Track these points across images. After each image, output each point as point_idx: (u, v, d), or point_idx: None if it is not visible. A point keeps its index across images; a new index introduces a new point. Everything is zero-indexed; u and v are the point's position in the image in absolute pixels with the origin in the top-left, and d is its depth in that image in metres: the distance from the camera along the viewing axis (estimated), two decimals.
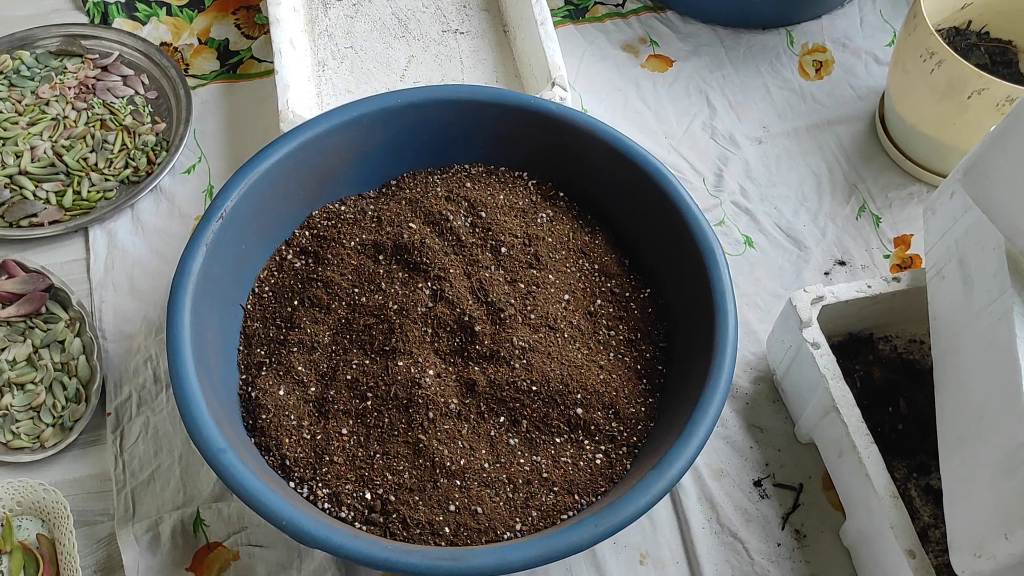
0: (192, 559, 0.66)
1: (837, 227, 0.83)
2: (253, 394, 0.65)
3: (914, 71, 0.77)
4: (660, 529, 0.68)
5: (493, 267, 0.70)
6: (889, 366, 0.71)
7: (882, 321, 0.72)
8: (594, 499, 0.62)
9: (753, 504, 0.69)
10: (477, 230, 0.71)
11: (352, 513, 0.60)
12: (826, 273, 0.80)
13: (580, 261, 0.72)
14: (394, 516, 0.60)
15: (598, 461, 0.64)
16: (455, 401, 0.64)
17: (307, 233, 0.73)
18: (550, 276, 0.70)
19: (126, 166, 0.83)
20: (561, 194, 0.76)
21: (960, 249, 0.63)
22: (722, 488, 0.70)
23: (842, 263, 0.81)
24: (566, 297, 0.69)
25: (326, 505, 0.61)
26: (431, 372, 0.65)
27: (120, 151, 0.83)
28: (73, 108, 0.85)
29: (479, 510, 0.60)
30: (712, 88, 0.91)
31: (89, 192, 0.81)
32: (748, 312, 0.78)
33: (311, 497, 0.61)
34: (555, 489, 0.62)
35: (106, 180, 0.82)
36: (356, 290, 0.69)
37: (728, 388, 0.61)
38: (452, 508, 0.60)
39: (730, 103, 0.90)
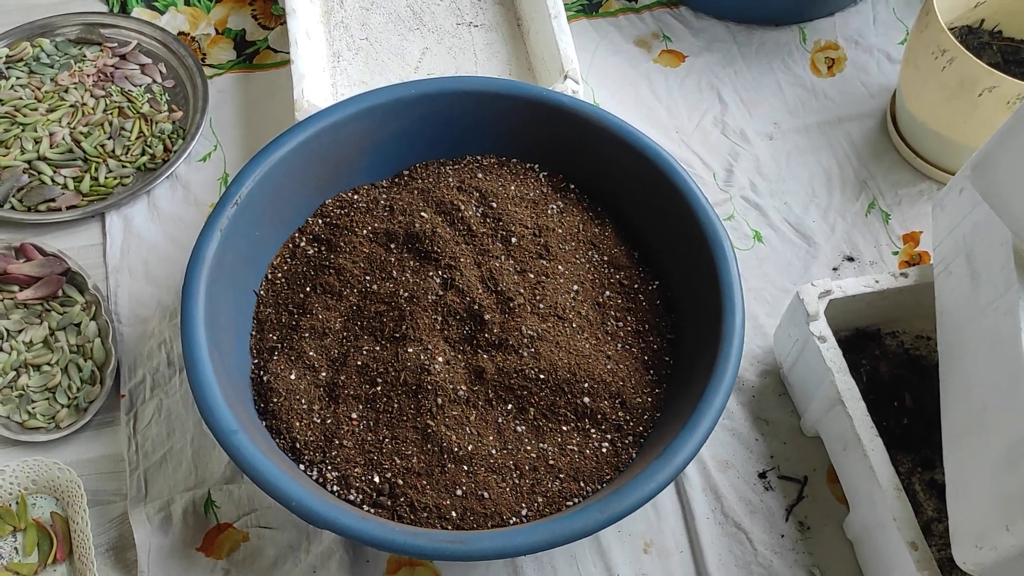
0: (203, 539, 0.67)
1: (846, 223, 0.83)
2: (265, 378, 0.66)
3: (925, 68, 0.77)
4: (665, 518, 0.69)
5: (503, 257, 0.70)
6: (895, 361, 0.72)
7: (889, 316, 0.73)
8: (599, 487, 0.63)
9: (757, 496, 0.70)
10: (488, 220, 0.72)
11: (360, 496, 0.61)
12: (835, 269, 0.81)
13: (589, 252, 0.72)
14: (402, 499, 0.61)
15: (604, 450, 0.64)
16: (464, 388, 0.65)
17: (320, 221, 0.74)
18: (559, 267, 0.70)
19: (143, 153, 0.84)
20: (571, 186, 0.76)
21: (968, 245, 0.63)
22: (727, 479, 0.70)
23: (851, 259, 0.81)
24: (575, 288, 0.70)
25: (335, 488, 0.62)
26: (440, 359, 0.65)
27: (137, 138, 0.85)
28: (91, 95, 0.86)
29: (486, 495, 0.61)
30: (724, 84, 0.91)
31: (106, 178, 0.82)
32: (756, 306, 0.78)
33: (320, 480, 0.62)
34: (561, 476, 0.63)
35: (123, 167, 0.83)
36: (367, 277, 0.70)
37: (734, 380, 0.61)
38: (459, 493, 0.61)
39: (741, 99, 0.90)
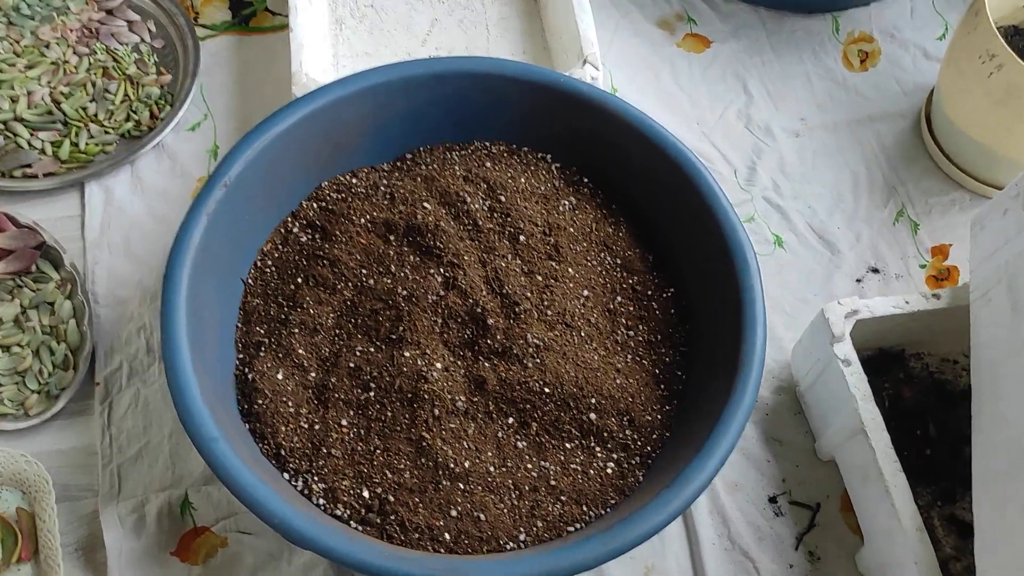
0: (178, 543, 0.63)
1: (872, 231, 0.78)
2: (250, 376, 0.62)
3: (970, 72, 0.72)
4: (668, 542, 0.65)
5: (510, 256, 0.66)
6: (920, 386, 0.68)
7: (915, 338, 0.69)
8: (603, 511, 0.59)
9: (767, 521, 0.66)
10: (495, 215, 0.67)
11: (348, 512, 0.57)
12: (858, 280, 0.76)
13: (602, 255, 0.68)
14: (392, 518, 0.57)
15: (609, 471, 0.60)
16: (462, 398, 0.60)
17: (315, 205, 0.69)
18: (570, 269, 0.66)
19: (127, 119, 0.79)
20: (585, 180, 0.71)
21: (1010, 272, 0.59)
22: (735, 503, 0.67)
23: (875, 270, 0.77)
24: (585, 293, 0.65)
25: (321, 500, 0.58)
26: (439, 365, 0.61)
27: (122, 102, 0.79)
28: (74, 53, 0.80)
29: (482, 517, 0.57)
30: (750, 74, 0.86)
31: (87, 144, 0.77)
32: (774, 317, 0.74)
33: (306, 491, 0.58)
34: (563, 498, 0.59)
35: (106, 133, 0.78)
36: (364, 271, 0.65)
37: (753, 405, 0.57)
38: (454, 513, 0.57)
39: (768, 91, 0.85)
